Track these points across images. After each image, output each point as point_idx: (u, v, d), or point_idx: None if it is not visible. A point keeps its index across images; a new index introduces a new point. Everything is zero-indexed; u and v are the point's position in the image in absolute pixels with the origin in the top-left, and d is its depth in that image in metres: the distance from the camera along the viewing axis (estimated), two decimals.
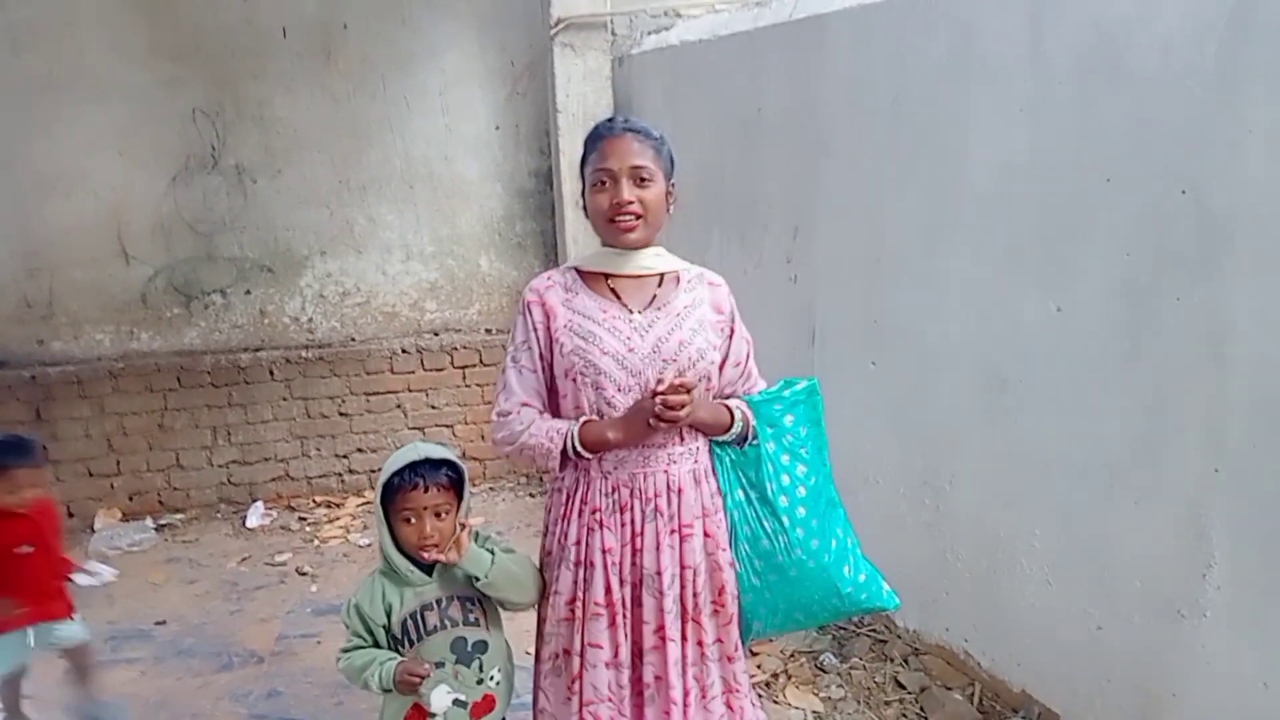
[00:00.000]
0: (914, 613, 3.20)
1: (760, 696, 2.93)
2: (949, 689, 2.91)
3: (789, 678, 3.07)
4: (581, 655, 1.83)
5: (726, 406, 1.89)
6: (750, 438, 1.90)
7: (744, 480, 1.92)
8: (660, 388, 1.72)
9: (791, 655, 3.21)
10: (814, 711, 2.89)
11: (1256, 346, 2.03)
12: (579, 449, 1.79)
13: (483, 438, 5.23)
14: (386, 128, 5.13)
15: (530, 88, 5.16)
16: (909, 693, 2.94)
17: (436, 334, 5.35)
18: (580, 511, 1.84)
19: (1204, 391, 2.15)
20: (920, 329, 3.02)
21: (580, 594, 1.83)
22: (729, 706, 1.92)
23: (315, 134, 5.06)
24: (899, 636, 3.24)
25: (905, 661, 3.11)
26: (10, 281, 4.86)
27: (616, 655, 1.84)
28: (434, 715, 1.84)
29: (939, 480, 3.02)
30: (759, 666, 3.13)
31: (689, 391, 1.72)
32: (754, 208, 3.83)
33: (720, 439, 1.89)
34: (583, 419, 1.81)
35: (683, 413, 1.72)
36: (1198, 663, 2.23)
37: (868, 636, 3.28)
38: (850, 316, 3.35)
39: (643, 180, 1.77)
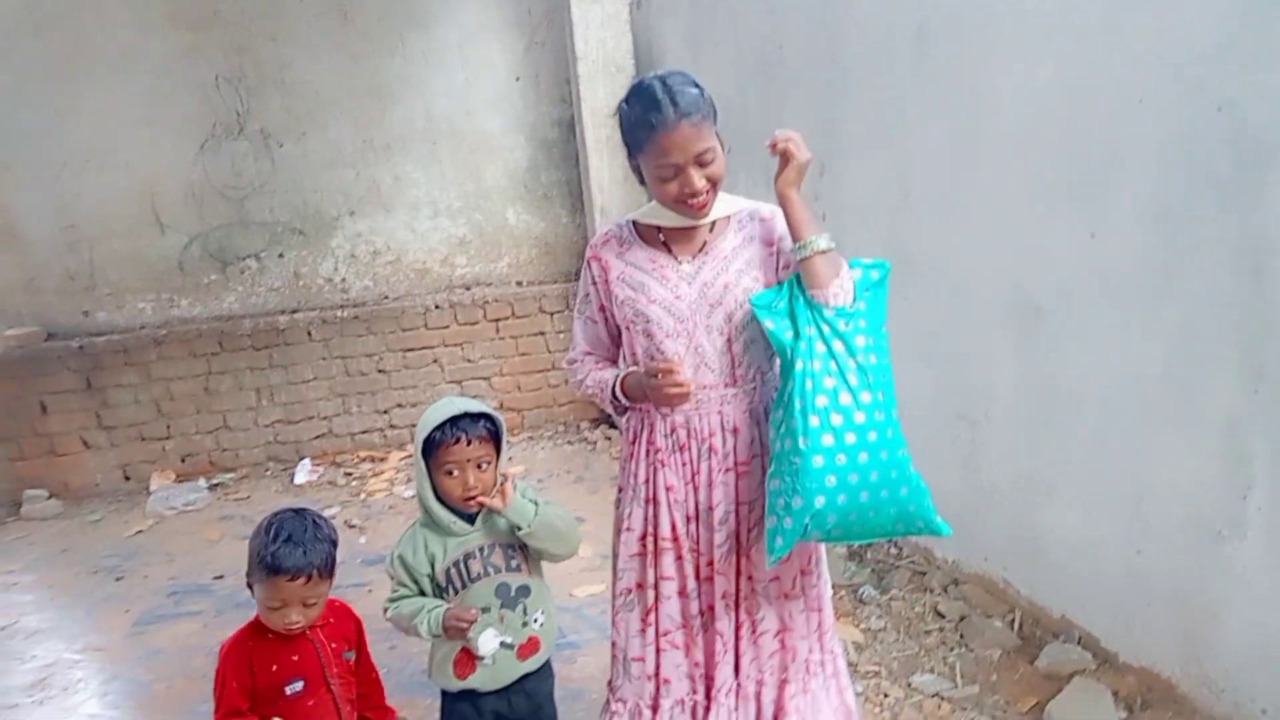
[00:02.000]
0: (952, 544, 3.23)
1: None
2: (989, 617, 2.95)
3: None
4: (656, 588, 1.90)
5: (817, 218, 1.79)
6: (837, 294, 1.72)
7: (826, 331, 1.69)
8: (660, 379, 1.75)
9: (831, 588, 3.25)
10: (854, 642, 2.94)
11: None
12: (619, 398, 1.87)
13: (519, 388, 5.31)
14: (407, 85, 5.13)
15: (549, 37, 5.11)
16: (948, 621, 2.98)
17: (468, 288, 5.40)
18: (647, 452, 1.90)
19: (1241, 312, 2.12)
20: (951, 262, 2.99)
21: (650, 529, 1.90)
22: (782, 645, 1.94)
23: (337, 95, 5.08)
24: (938, 568, 3.28)
25: (944, 591, 3.14)
26: (53, 256, 4.98)
27: (685, 586, 1.90)
28: (482, 658, 1.91)
29: (974, 412, 3.02)
30: None
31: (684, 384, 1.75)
32: None
33: (805, 244, 1.72)
34: (625, 370, 1.88)
35: (682, 395, 1.76)
36: (1238, 583, 2.24)
37: (907, 569, 3.32)
38: (880, 252, 3.27)
39: (710, 160, 1.72)
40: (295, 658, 1.80)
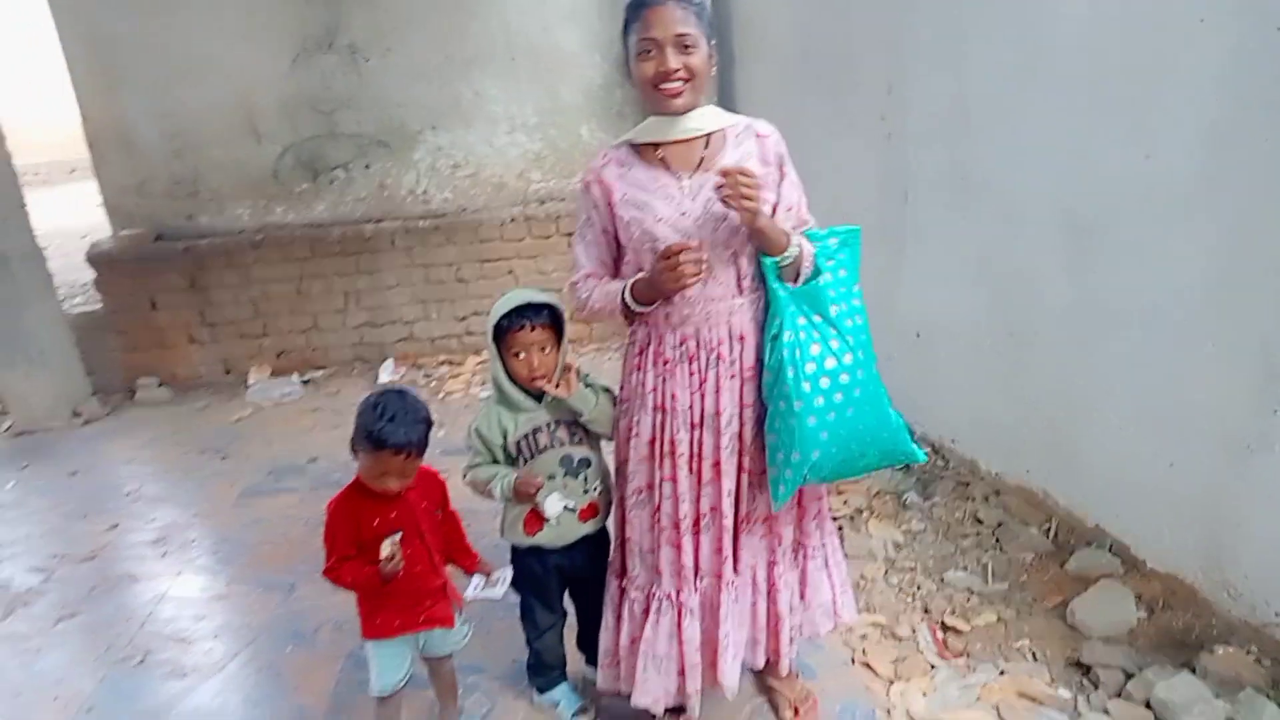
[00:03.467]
0: (997, 457, 3.37)
1: (842, 528, 3.20)
2: (1026, 524, 3.10)
3: (872, 513, 3.32)
4: (663, 487, 2.05)
5: (784, 232, 1.90)
6: (805, 271, 1.91)
7: (805, 308, 1.90)
8: (661, 250, 1.82)
9: (877, 494, 3.44)
10: (894, 542, 3.13)
11: None
12: (632, 304, 1.95)
13: None
14: (487, 1, 5.24)
15: None
16: (986, 527, 3.14)
17: (543, 203, 5.59)
18: (655, 362, 2.01)
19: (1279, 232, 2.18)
20: (1006, 181, 3.05)
21: (659, 435, 2.03)
22: (769, 530, 2.12)
23: (420, 10, 5.24)
24: (981, 479, 3.42)
25: (985, 500, 3.29)
26: (160, 162, 5.33)
27: (692, 487, 2.04)
28: (548, 519, 2.16)
29: (1023, 331, 3.11)
30: (845, 502, 3.38)
31: (703, 260, 1.81)
32: (848, 67, 3.84)
33: (778, 259, 1.88)
34: (634, 277, 1.95)
35: (697, 271, 1.80)
36: (1263, 495, 2.34)
37: (951, 479, 3.47)
38: (941, 172, 3.39)
39: (687, 48, 1.80)
40: (393, 514, 2.05)
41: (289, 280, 5.37)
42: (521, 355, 2.10)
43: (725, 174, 1.75)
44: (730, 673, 2.08)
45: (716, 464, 2.01)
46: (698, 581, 2.08)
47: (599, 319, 2.07)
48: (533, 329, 2.09)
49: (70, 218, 9.04)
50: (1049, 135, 2.85)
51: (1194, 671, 2.30)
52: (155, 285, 5.28)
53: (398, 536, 2.02)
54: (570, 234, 5.35)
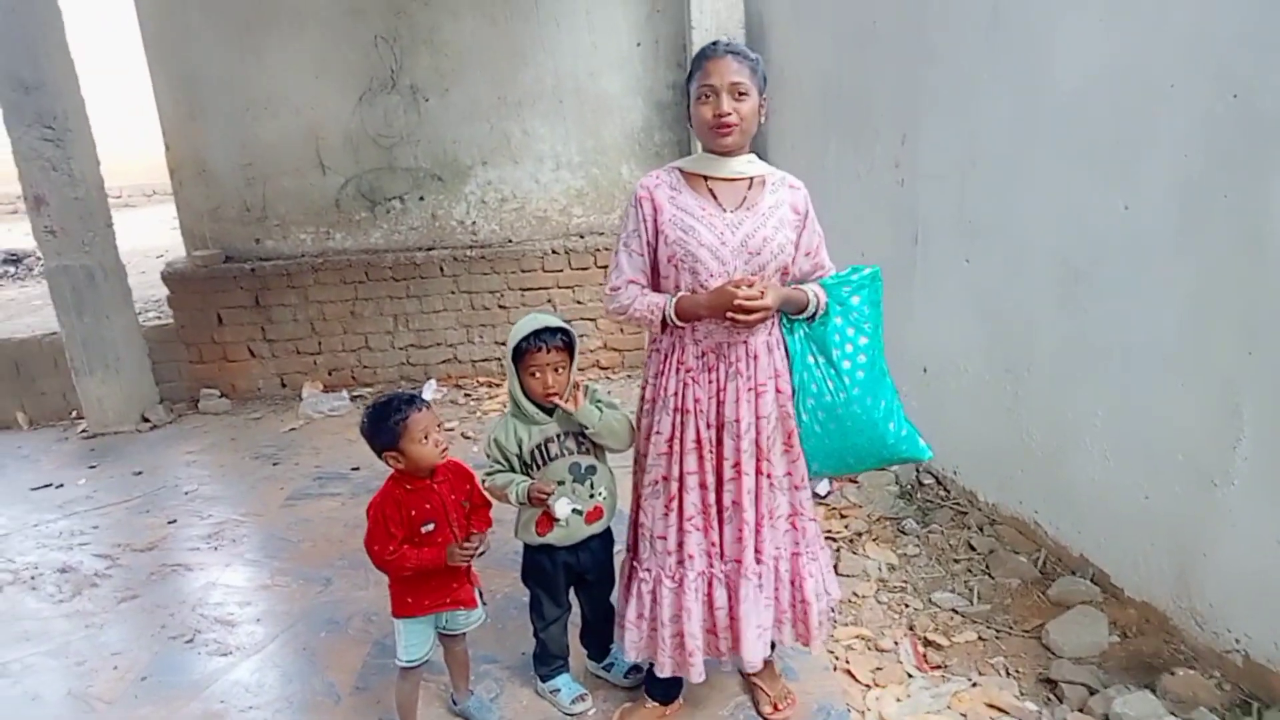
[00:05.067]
0: (994, 487, 3.52)
1: (841, 548, 3.39)
2: (1016, 553, 3.25)
3: (871, 536, 3.49)
4: (680, 480, 2.29)
5: (802, 290, 2.25)
6: (821, 313, 2.27)
7: (814, 348, 2.31)
8: (740, 291, 2.06)
9: (878, 520, 3.62)
10: (888, 563, 3.30)
11: None
12: (673, 319, 2.21)
13: (621, 330, 5.80)
14: (539, 47, 5.62)
15: (668, 5, 5.49)
16: (978, 554, 3.29)
17: (582, 236, 5.91)
18: (677, 370, 2.27)
19: (1243, 281, 2.35)
20: (1008, 227, 3.25)
21: (678, 433, 2.28)
22: (793, 525, 2.36)
23: (477, 55, 5.63)
24: (979, 509, 3.58)
25: (980, 529, 3.45)
26: (233, 190, 5.78)
27: (704, 482, 2.29)
28: (558, 520, 2.40)
29: (1019, 367, 3.29)
30: (846, 526, 3.56)
31: (762, 295, 2.07)
32: (867, 116, 4.08)
33: (796, 317, 2.28)
34: (679, 294, 2.20)
35: (754, 316, 2.08)
36: (1225, 526, 2.49)
37: (951, 508, 3.63)
38: (948, 217, 3.60)
39: (740, 95, 2.10)
40: (428, 505, 2.30)
41: (344, 302, 5.75)
42: (537, 374, 2.35)
43: (737, 293, 2.07)
44: (751, 647, 2.30)
45: (737, 464, 2.26)
46: (724, 564, 2.33)
47: (633, 323, 2.32)
48: (548, 351, 2.35)
49: (148, 238, 9.63)
50: (1046, 185, 3.05)
51: (1154, 691, 2.44)
52: (222, 303, 5.70)
53: (431, 526, 2.28)
54: (606, 267, 5.72)
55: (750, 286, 2.07)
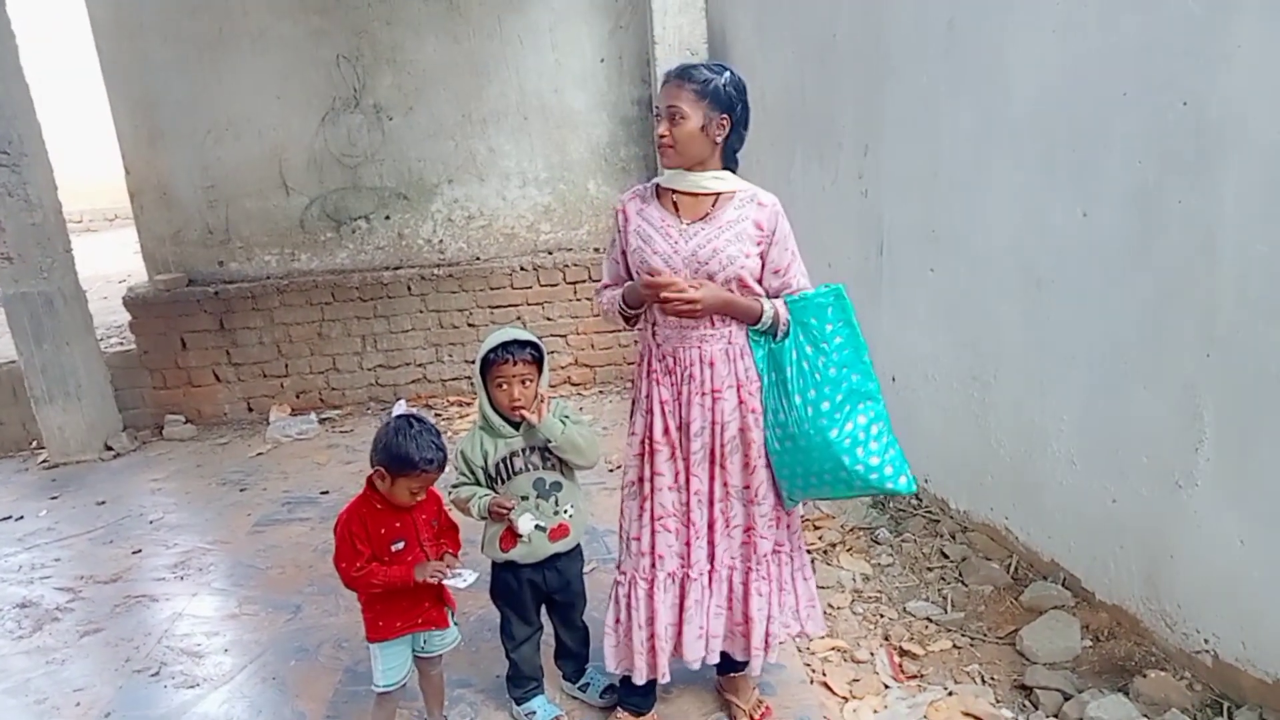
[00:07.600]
0: (964, 495, 3.54)
1: (815, 559, 3.38)
2: (988, 559, 3.26)
3: (845, 547, 3.49)
4: (651, 481, 2.32)
5: (756, 301, 2.25)
6: (782, 331, 2.27)
7: (773, 364, 2.32)
8: (662, 279, 2.13)
9: (851, 530, 3.62)
10: (862, 573, 3.30)
11: (1242, 243, 2.25)
12: (623, 306, 2.34)
13: (592, 346, 5.79)
14: (503, 64, 5.62)
15: (632, 21, 5.52)
16: (951, 561, 3.31)
17: (550, 253, 5.90)
18: (648, 372, 2.34)
19: (1199, 284, 2.38)
20: (970, 236, 3.28)
21: (647, 434, 2.33)
22: (747, 539, 2.35)
23: (441, 73, 5.62)
24: (951, 516, 3.60)
25: (953, 537, 3.46)
26: (196, 213, 5.71)
27: (676, 480, 2.32)
28: (521, 536, 2.38)
29: (985, 374, 3.32)
30: (820, 537, 3.56)
31: (690, 289, 2.14)
32: (830, 128, 4.11)
33: (754, 328, 2.28)
34: (627, 284, 2.35)
35: (683, 308, 2.14)
36: (1189, 526, 2.51)
37: (923, 517, 3.65)
38: (913, 227, 3.64)
39: (679, 118, 2.15)
40: (398, 524, 2.28)
41: (310, 324, 5.69)
42: (504, 386, 2.34)
43: (663, 301, 2.14)
44: (690, 647, 2.33)
45: (687, 464, 2.31)
46: (679, 569, 2.35)
47: (609, 319, 2.46)
48: (515, 363, 2.33)
49: (110, 263, 9.49)
50: (1007, 195, 3.08)
51: (1127, 694, 2.45)
52: (186, 327, 5.62)
53: (400, 545, 2.26)
54: (576, 282, 5.73)
55: (650, 283, 2.15)
